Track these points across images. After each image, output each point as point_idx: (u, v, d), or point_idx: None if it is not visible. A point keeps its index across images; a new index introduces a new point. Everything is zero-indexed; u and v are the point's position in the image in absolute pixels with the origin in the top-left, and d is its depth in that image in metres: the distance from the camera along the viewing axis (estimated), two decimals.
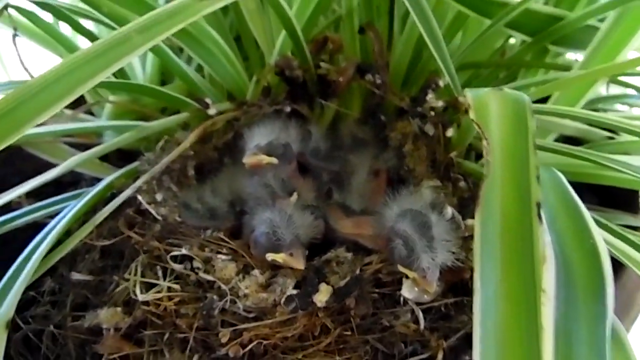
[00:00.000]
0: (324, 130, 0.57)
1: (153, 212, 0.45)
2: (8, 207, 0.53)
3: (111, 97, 0.58)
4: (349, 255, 0.42)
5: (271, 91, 0.56)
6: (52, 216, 0.49)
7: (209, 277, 0.41)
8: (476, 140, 0.49)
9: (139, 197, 0.46)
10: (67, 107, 0.58)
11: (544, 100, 0.49)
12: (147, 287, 0.42)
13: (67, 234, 0.47)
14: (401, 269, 0.39)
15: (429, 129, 0.49)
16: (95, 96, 0.60)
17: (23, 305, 0.47)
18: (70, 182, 0.63)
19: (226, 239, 0.44)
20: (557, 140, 0.52)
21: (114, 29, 0.48)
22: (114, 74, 0.59)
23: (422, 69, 0.55)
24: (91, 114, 0.68)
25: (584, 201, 0.34)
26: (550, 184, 0.35)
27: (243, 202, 0.46)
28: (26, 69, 0.48)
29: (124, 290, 0.43)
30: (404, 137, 0.50)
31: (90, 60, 0.32)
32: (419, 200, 0.41)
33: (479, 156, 0.52)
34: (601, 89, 0.59)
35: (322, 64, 0.54)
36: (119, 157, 0.61)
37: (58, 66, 0.32)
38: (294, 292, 0.39)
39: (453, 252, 0.39)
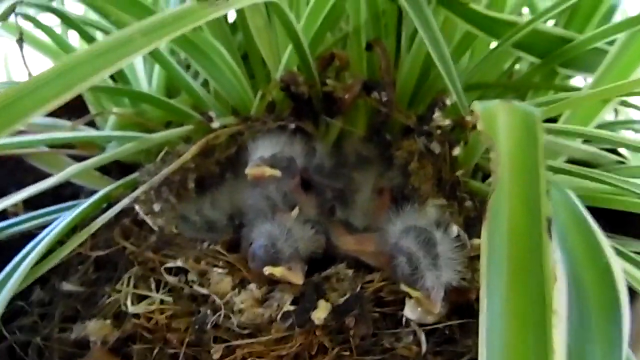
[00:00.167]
0: (328, 148, 0.56)
1: (150, 222, 0.44)
2: (5, 217, 0.53)
3: (115, 109, 0.58)
4: (350, 272, 0.40)
5: (276, 107, 0.56)
6: (47, 226, 0.48)
7: (204, 291, 0.40)
8: (483, 160, 0.48)
9: (136, 207, 0.45)
10: (71, 117, 0.59)
11: (552, 122, 0.48)
12: (139, 299, 0.41)
13: (61, 244, 0.45)
14: (404, 287, 0.37)
15: (435, 147, 0.48)
16: (99, 108, 0.60)
17: (12, 315, 0.46)
18: (70, 195, 0.62)
19: (223, 252, 0.42)
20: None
21: None
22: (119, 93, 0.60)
23: (429, 88, 0.54)
24: (94, 127, 0.68)
25: None
26: (561, 201, 0.34)
27: (242, 215, 0.45)
28: (30, 75, 0.47)
29: (115, 302, 0.41)
30: (409, 155, 0.49)
31: (93, 59, 0.32)
32: (423, 218, 0.40)
33: (485, 176, 0.50)
34: (608, 116, 0.58)
35: (328, 81, 0.54)
36: (120, 171, 0.61)
37: (60, 63, 0.31)
38: (291, 308, 0.37)
39: (459, 271, 0.37)
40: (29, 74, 0.48)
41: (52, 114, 0.67)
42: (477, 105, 0.34)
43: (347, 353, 0.36)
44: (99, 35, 0.59)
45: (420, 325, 0.38)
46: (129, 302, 0.40)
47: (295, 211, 0.43)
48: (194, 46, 0.52)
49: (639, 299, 0.45)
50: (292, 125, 0.54)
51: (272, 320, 0.38)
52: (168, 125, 0.63)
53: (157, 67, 0.64)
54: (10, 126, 0.29)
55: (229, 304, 0.39)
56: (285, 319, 0.37)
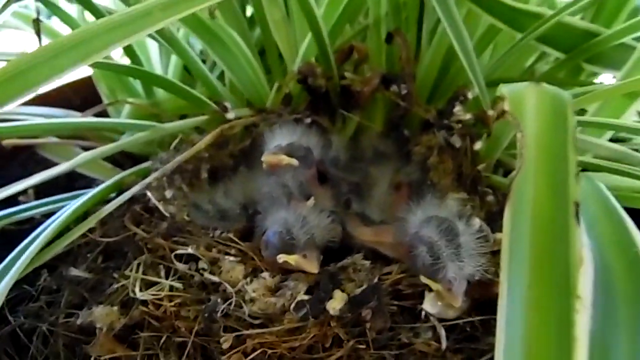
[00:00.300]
0: (345, 142, 0.55)
1: (161, 208, 0.43)
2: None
3: (130, 99, 0.57)
4: (367, 263, 0.39)
5: (292, 100, 0.55)
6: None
7: (215, 279, 0.38)
8: (505, 156, 0.47)
9: (148, 193, 0.44)
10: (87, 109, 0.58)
11: None
12: (148, 286, 0.40)
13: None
14: (424, 279, 0.35)
15: (456, 141, 0.46)
16: (113, 99, 0.59)
17: (19, 301, 0.45)
18: (83, 188, 0.62)
19: (236, 240, 0.41)
20: None
21: None
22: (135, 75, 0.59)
23: (450, 84, 0.53)
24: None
25: None
26: (589, 190, 0.32)
27: (256, 204, 0.44)
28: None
29: (123, 289, 0.40)
30: (428, 150, 0.48)
31: (109, 30, 0.31)
32: (445, 209, 0.38)
33: (507, 172, 0.49)
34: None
35: (346, 74, 0.53)
36: (132, 164, 0.60)
37: (77, 33, 0.31)
38: (306, 297, 0.36)
39: (482, 264, 0.35)
40: None
41: (68, 106, 0.67)
42: (505, 88, 0.32)
43: (363, 347, 0.35)
44: None
45: (440, 320, 0.36)
46: (137, 289, 0.38)
47: (311, 201, 0.42)
48: (212, 35, 0.52)
49: None
50: (308, 119, 0.54)
51: (285, 310, 0.36)
52: (182, 118, 0.63)
53: (172, 59, 0.63)
54: (25, 92, 0.28)
55: (241, 293, 0.37)
56: (299, 309, 0.35)
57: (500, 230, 0.33)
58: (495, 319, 0.36)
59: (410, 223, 0.37)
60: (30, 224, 0.51)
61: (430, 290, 0.36)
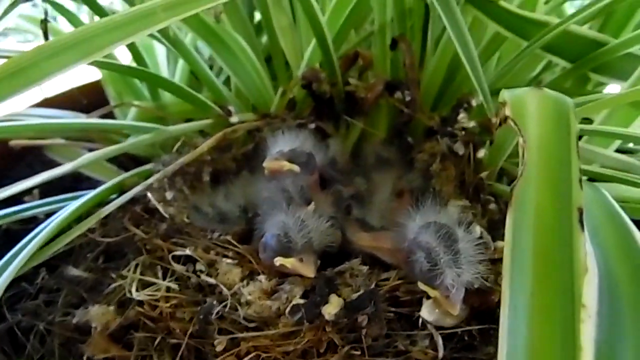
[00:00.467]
0: (349, 149, 0.55)
1: (161, 209, 0.43)
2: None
3: (135, 102, 0.58)
4: (365, 268, 0.38)
5: (296, 105, 0.55)
6: None
7: (211, 281, 0.38)
8: (508, 164, 0.46)
9: (149, 195, 0.44)
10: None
11: None
12: (145, 286, 0.39)
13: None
14: (422, 286, 0.35)
15: (459, 149, 0.46)
16: (120, 100, 0.60)
17: (18, 300, 0.45)
18: (88, 189, 0.62)
19: (234, 243, 0.41)
20: None
21: None
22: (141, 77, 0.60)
23: (455, 92, 0.53)
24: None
25: None
26: (593, 196, 0.32)
27: (256, 208, 0.44)
28: None
29: (120, 289, 0.40)
30: (431, 157, 0.47)
31: (112, 29, 0.31)
32: (444, 215, 0.38)
33: (511, 181, 0.48)
34: None
35: (351, 80, 0.53)
36: (137, 166, 0.60)
37: (80, 31, 0.31)
38: (301, 301, 0.35)
39: (481, 272, 0.35)
40: None
41: (75, 108, 0.68)
42: (507, 93, 0.32)
43: (358, 353, 0.34)
44: None
45: (438, 328, 0.35)
46: (133, 289, 0.38)
47: (311, 206, 0.42)
48: (218, 40, 0.52)
49: None
50: (312, 125, 0.53)
51: (280, 313, 0.36)
52: (188, 121, 0.63)
53: (180, 63, 0.64)
54: (26, 88, 0.28)
55: (237, 295, 0.37)
56: (294, 313, 0.35)
57: (502, 239, 0.33)
58: (494, 329, 0.35)
59: (409, 229, 0.37)
60: (34, 223, 0.52)
61: (428, 297, 0.35)
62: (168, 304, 0.38)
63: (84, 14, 0.61)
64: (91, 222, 0.42)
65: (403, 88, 0.50)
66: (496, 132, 0.42)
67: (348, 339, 0.35)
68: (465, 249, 0.35)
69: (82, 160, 0.49)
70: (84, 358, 0.36)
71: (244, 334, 0.35)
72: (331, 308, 0.35)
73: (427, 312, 0.35)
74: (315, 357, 0.34)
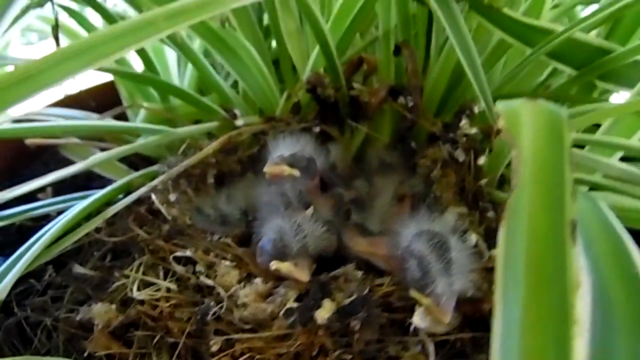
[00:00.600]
0: (352, 153, 0.55)
1: (164, 211, 0.44)
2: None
3: (145, 104, 0.59)
4: (359, 273, 0.39)
5: (301, 109, 0.56)
6: None
7: (209, 282, 0.39)
8: (509, 171, 0.46)
9: (152, 196, 0.45)
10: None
11: None
12: (147, 286, 0.41)
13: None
14: (413, 293, 0.35)
15: (459, 155, 0.46)
16: (132, 103, 0.61)
17: (27, 296, 0.46)
18: (99, 188, 0.64)
19: (233, 245, 0.42)
20: None
21: None
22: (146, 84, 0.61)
23: (459, 98, 0.53)
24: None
25: None
26: (588, 208, 0.32)
27: (256, 211, 0.44)
28: None
29: (123, 288, 0.41)
30: (433, 163, 0.48)
31: (114, 39, 0.32)
32: (439, 223, 0.38)
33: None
34: None
35: (355, 85, 0.53)
36: (147, 166, 0.62)
37: (83, 40, 0.32)
38: (295, 305, 0.36)
39: (473, 281, 0.35)
40: None
41: (88, 108, 0.70)
42: (501, 104, 0.32)
43: (350, 357, 0.35)
44: None
45: (430, 335, 0.36)
46: (134, 288, 0.40)
47: (310, 210, 0.43)
48: (224, 44, 0.53)
49: None
50: (317, 128, 0.54)
51: (274, 316, 0.36)
52: (197, 123, 0.64)
53: (189, 67, 0.65)
54: (33, 94, 0.30)
55: (233, 297, 0.38)
56: (288, 316, 0.36)
57: None
58: (486, 337, 0.35)
59: (403, 236, 0.37)
60: (47, 221, 0.53)
61: (421, 304, 0.35)
62: (167, 304, 0.39)
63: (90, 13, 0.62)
64: (97, 221, 0.44)
65: (406, 93, 0.50)
66: (495, 140, 0.42)
67: (340, 343, 0.35)
68: (458, 257, 0.35)
69: (92, 160, 0.51)
70: (86, 354, 0.37)
71: (239, 335, 0.36)
72: (324, 312, 0.35)
73: (419, 319, 0.36)
74: (307, 359, 0.35)
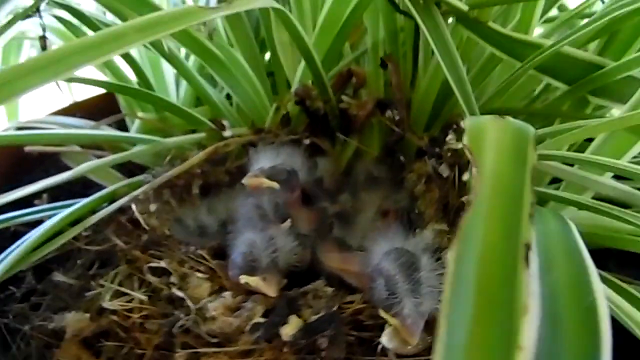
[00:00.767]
0: (342, 166, 0.54)
1: (142, 221, 0.44)
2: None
3: (139, 114, 0.60)
4: (329, 290, 0.38)
5: (291, 121, 0.56)
6: None
7: (180, 294, 0.39)
8: None
9: (132, 206, 0.45)
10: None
11: None
12: (121, 296, 0.41)
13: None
14: (382, 313, 0.34)
15: (444, 170, 0.45)
16: (128, 111, 0.62)
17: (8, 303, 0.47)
18: None
19: (206, 257, 0.41)
20: None
21: None
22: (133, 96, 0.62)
23: (449, 112, 0.52)
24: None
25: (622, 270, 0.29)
26: (556, 230, 0.30)
27: (234, 223, 0.44)
28: None
29: (98, 297, 0.41)
30: (418, 178, 0.47)
31: (84, 50, 0.32)
32: (412, 241, 0.37)
33: None
34: None
35: (344, 97, 0.53)
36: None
37: (53, 52, 0.32)
38: (262, 320, 0.36)
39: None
40: None
41: (89, 117, 0.71)
42: (467, 121, 0.31)
43: None
44: None
45: (398, 356, 0.35)
46: (107, 298, 0.40)
47: (287, 223, 0.42)
48: (213, 57, 0.53)
49: None
50: (307, 141, 0.54)
51: (241, 331, 0.36)
52: (192, 132, 0.65)
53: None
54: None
55: (202, 310, 0.37)
56: (254, 331, 0.35)
57: None
58: None
59: (374, 253, 0.36)
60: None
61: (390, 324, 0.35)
62: (138, 315, 0.39)
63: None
64: (77, 230, 0.44)
65: (393, 107, 0.49)
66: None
67: None
68: (428, 277, 0.34)
69: (84, 167, 0.52)
70: None
71: (205, 349, 0.36)
72: (289, 329, 0.35)
73: (387, 339, 0.35)
74: None
